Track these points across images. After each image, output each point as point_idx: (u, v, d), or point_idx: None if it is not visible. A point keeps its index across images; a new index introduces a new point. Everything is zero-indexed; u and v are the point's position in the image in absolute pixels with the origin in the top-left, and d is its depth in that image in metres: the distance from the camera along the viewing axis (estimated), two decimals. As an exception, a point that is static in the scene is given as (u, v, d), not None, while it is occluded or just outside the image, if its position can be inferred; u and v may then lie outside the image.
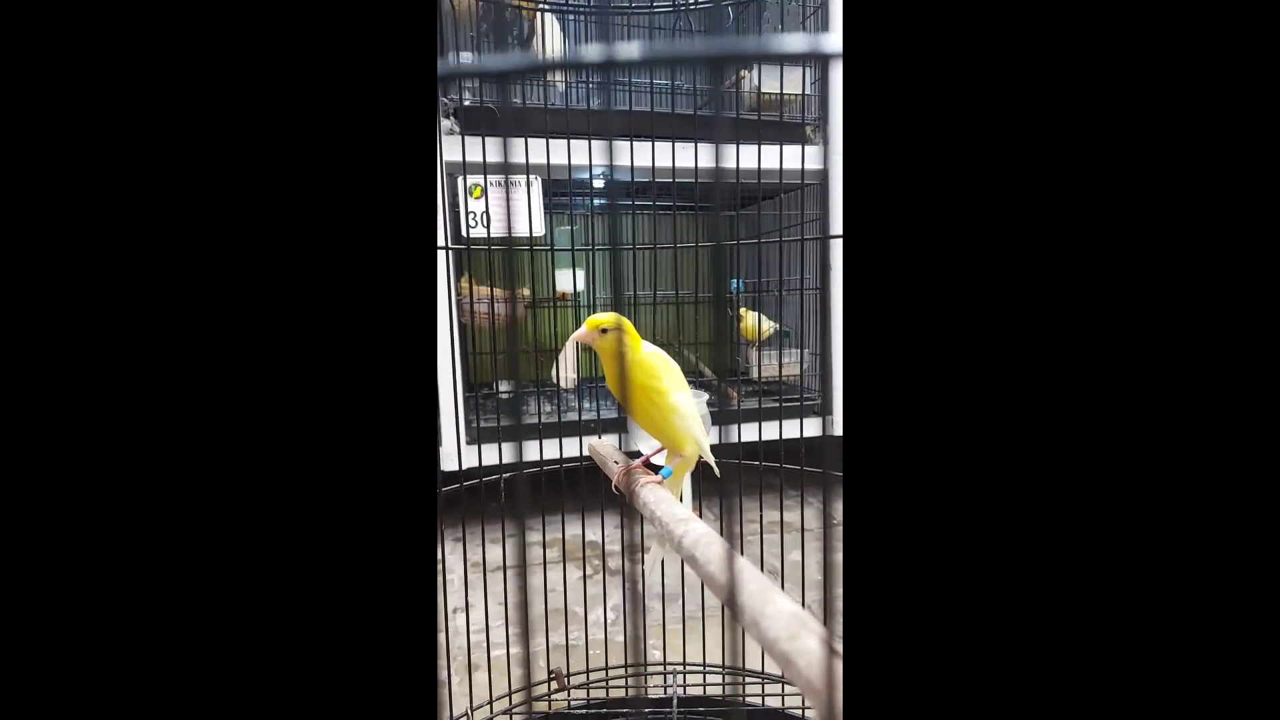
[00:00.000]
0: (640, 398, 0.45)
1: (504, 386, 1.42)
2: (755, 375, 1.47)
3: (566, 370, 1.34)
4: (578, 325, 0.48)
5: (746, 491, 0.67)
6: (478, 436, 1.27)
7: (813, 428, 1.35)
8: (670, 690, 0.61)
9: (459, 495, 0.56)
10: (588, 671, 0.61)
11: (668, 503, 0.40)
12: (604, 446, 0.53)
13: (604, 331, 0.45)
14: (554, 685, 0.59)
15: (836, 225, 1.27)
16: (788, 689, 0.60)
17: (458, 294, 1.33)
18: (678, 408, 0.46)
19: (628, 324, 0.46)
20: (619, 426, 1.31)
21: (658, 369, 0.46)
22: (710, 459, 0.48)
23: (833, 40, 0.19)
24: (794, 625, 0.24)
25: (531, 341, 1.43)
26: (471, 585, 0.94)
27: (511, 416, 1.28)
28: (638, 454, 0.53)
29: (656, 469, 0.48)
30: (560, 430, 1.18)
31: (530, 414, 1.33)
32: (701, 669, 0.63)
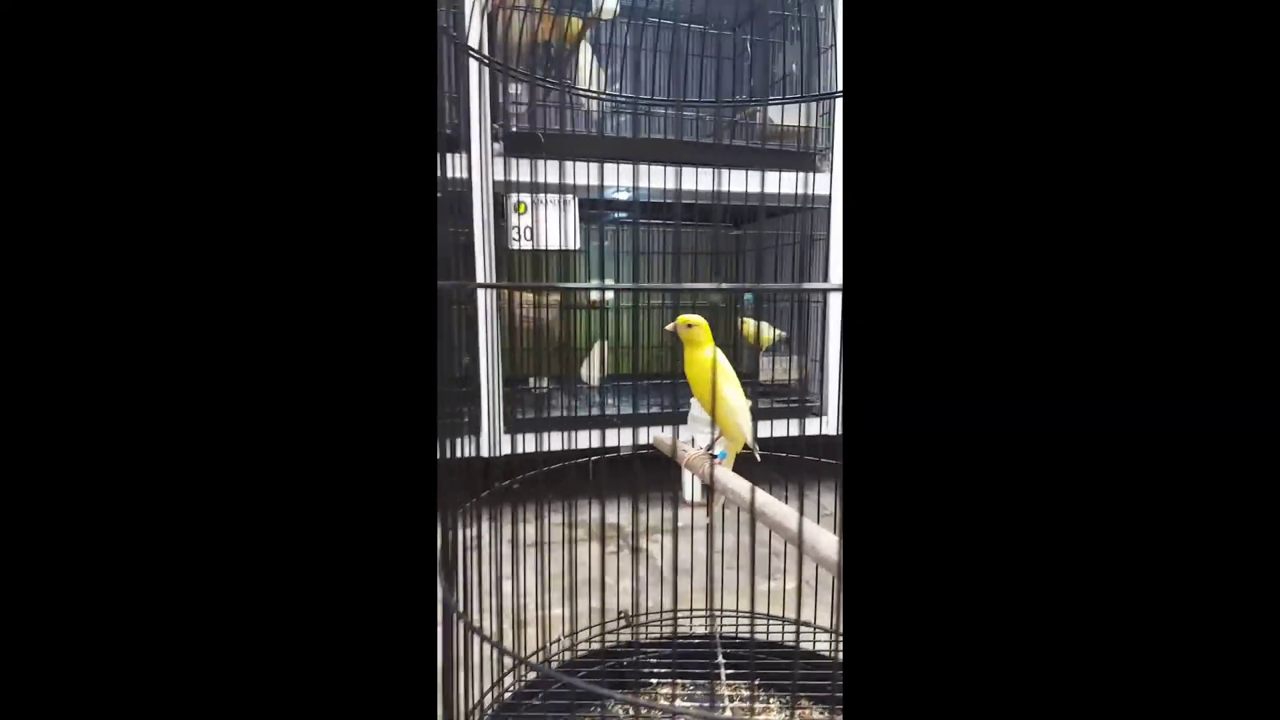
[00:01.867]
0: (702, 386, 0.60)
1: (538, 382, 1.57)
2: (761, 378, 1.63)
3: (594, 369, 1.49)
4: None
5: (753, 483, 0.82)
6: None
7: (812, 427, 1.51)
8: (710, 629, 0.77)
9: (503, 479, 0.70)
10: (646, 613, 0.76)
11: (735, 478, 0.56)
12: (667, 437, 0.68)
13: (689, 326, 0.60)
14: (622, 623, 0.74)
15: (836, 240, 1.42)
16: (803, 630, 0.76)
17: (499, 299, 1.48)
18: (726, 399, 0.60)
19: (704, 324, 0.61)
20: (635, 421, 1.47)
21: (715, 364, 0.60)
22: (754, 446, 0.64)
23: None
24: (834, 543, 0.40)
25: (563, 341, 1.58)
26: (508, 558, 1.09)
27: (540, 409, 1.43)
28: (691, 442, 0.68)
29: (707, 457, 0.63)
30: (601, 423, 1.33)
31: (557, 407, 1.48)
32: (734, 614, 0.79)
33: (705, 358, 0.59)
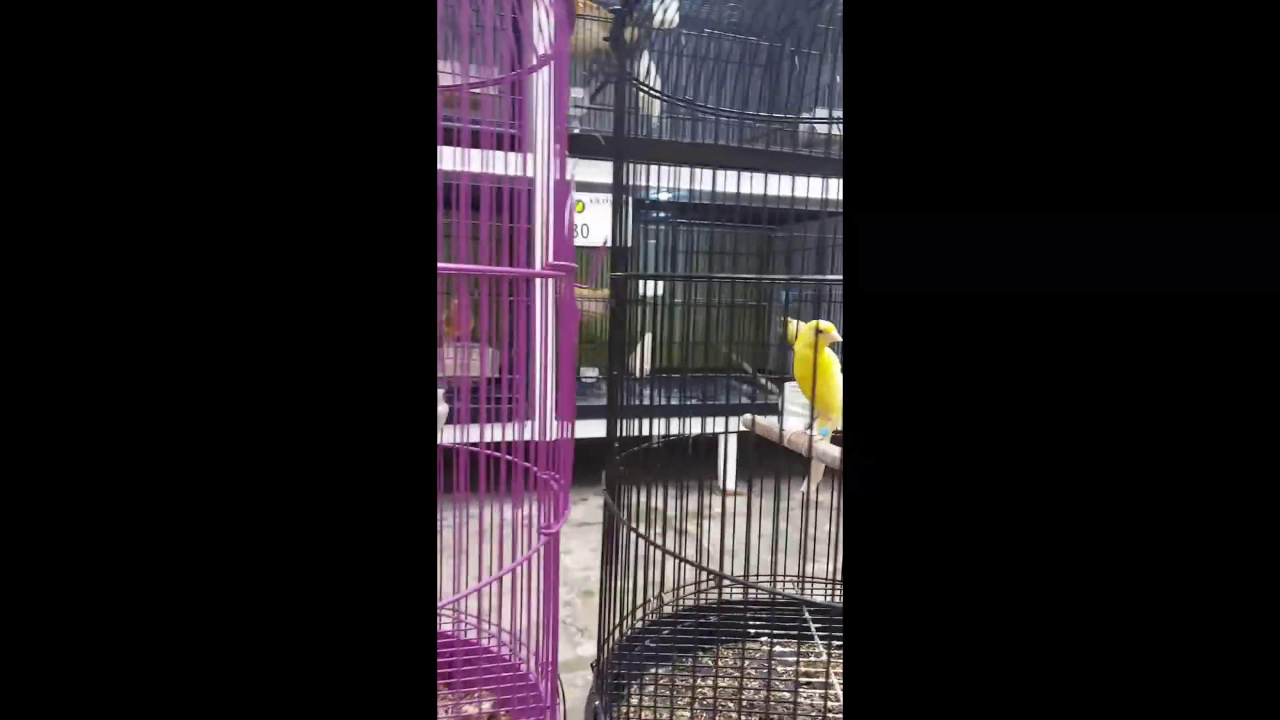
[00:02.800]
0: (831, 380, 0.70)
1: (590, 372, 1.65)
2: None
3: (641, 361, 1.57)
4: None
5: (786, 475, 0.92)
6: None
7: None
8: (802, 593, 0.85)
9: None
10: (731, 576, 0.85)
11: (835, 449, 0.64)
12: (766, 422, 0.77)
13: (820, 332, 0.69)
14: (711, 582, 0.83)
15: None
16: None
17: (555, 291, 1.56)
18: (838, 388, 0.71)
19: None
20: (683, 412, 1.55)
21: (834, 359, 0.71)
22: (839, 425, 0.73)
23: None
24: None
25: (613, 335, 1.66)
26: (570, 535, 1.18)
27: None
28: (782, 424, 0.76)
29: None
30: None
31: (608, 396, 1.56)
32: (809, 579, 0.87)
33: (829, 353, 0.69)
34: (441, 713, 0.64)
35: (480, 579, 0.57)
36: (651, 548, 0.64)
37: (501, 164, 1.33)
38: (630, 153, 0.77)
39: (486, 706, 0.66)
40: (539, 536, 0.58)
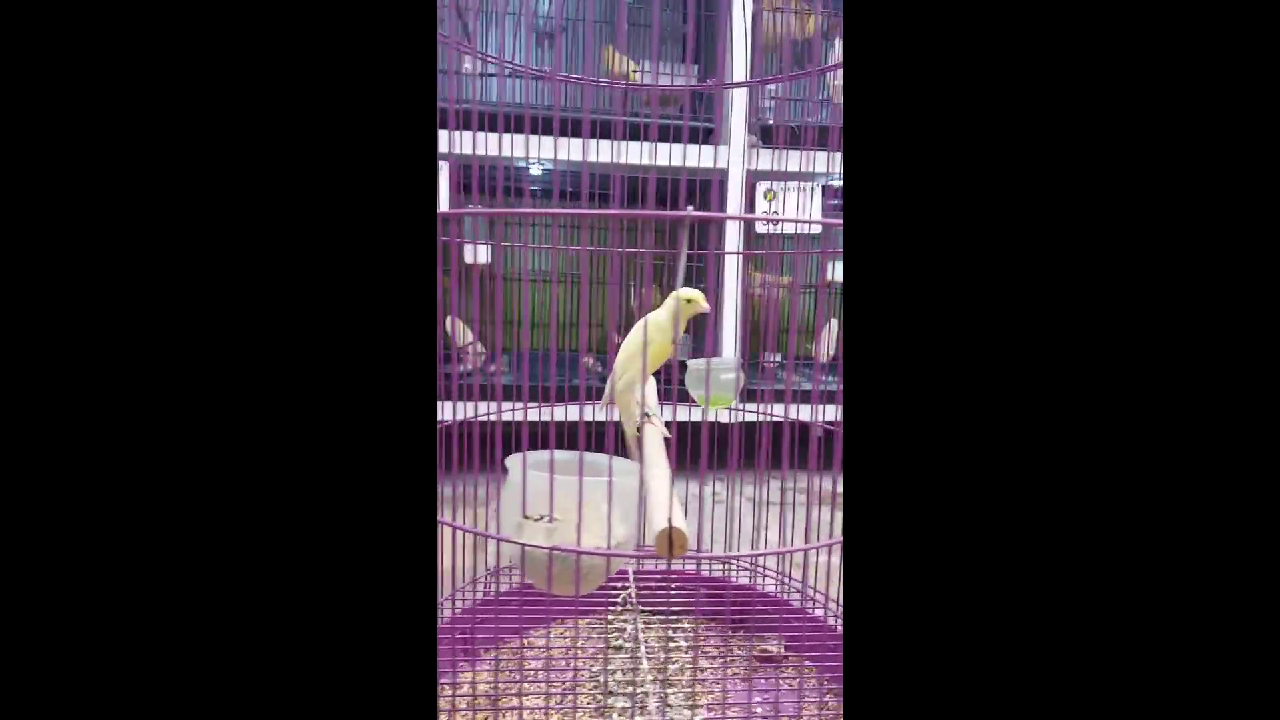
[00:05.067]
0: None
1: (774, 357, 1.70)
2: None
3: (827, 345, 1.61)
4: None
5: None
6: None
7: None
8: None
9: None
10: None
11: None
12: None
13: None
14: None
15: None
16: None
17: (745, 278, 1.62)
18: None
19: None
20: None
21: None
22: None
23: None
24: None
25: (801, 320, 1.71)
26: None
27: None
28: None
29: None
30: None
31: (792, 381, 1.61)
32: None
33: None
34: (738, 650, 0.73)
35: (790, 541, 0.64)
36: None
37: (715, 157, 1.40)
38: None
39: (777, 648, 0.74)
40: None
